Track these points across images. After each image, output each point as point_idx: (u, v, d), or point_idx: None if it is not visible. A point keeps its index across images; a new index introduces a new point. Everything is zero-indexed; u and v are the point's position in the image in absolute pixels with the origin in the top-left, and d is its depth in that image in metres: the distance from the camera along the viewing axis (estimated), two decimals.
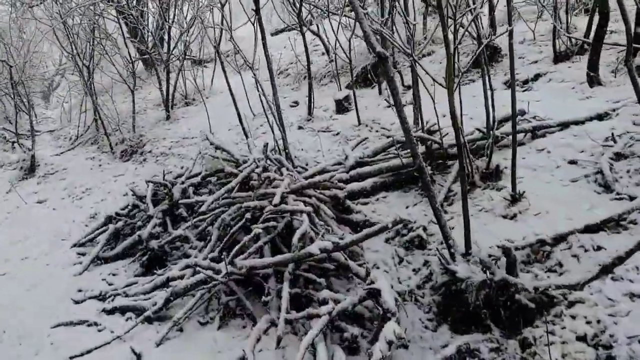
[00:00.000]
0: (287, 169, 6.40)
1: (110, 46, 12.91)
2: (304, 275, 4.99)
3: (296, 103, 10.63)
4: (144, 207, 7.22)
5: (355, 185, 6.35)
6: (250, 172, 6.11)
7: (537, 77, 8.20)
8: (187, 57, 12.19)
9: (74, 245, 7.60)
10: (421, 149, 6.49)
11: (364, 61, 11.77)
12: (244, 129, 8.37)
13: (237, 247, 5.29)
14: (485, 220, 5.26)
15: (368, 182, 6.38)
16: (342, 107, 9.34)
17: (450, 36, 4.72)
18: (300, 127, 8.94)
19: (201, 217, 6.37)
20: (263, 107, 7.92)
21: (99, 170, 10.87)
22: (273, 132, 7.55)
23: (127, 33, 13.98)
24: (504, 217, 5.23)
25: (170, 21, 11.54)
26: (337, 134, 8.06)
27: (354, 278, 5.12)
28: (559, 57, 8.42)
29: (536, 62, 8.68)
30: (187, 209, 7.23)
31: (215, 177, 7.13)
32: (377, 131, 7.67)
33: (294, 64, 13.77)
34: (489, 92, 5.84)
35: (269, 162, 6.49)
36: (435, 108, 5.64)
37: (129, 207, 7.55)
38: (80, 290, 6.15)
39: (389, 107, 8.84)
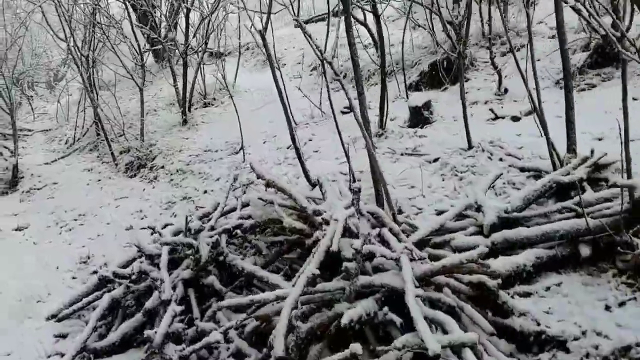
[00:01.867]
0: (392, 231, 3.69)
1: (115, 34, 10.09)
2: None
3: (348, 109, 7.84)
4: (155, 275, 4.49)
5: (504, 262, 3.64)
6: (334, 235, 3.41)
7: None
8: (207, 48, 9.39)
9: (52, 317, 4.89)
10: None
11: (426, 56, 9.03)
12: (297, 149, 5.62)
13: None
14: None
15: (526, 257, 3.66)
16: (420, 117, 6.59)
17: None
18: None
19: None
20: (333, 110, 5.18)
21: (97, 187, 8.13)
22: (346, 153, 4.86)
23: (135, 20, 11.18)
24: None
25: (189, 3, 8.74)
26: (435, 160, 5.31)
27: None
28: None
29: None
30: (220, 273, 4.55)
31: (268, 228, 4.43)
32: (501, 159, 4.94)
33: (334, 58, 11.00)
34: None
35: (359, 216, 3.78)
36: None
37: (134, 267, 4.79)
38: None
39: (495, 119, 6.11)
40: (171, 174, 7.55)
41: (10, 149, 9.67)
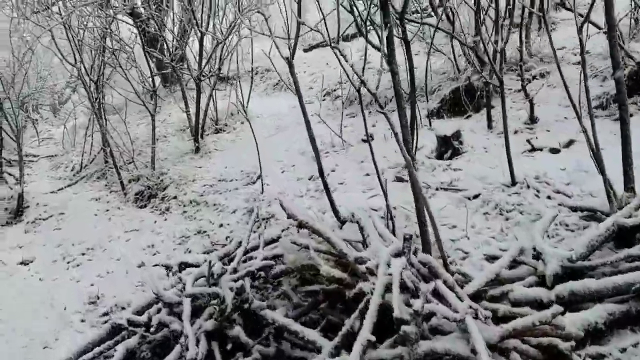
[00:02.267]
0: (446, 283, 3.26)
1: (125, 58, 9.77)
2: None
3: (370, 137, 7.46)
4: (176, 327, 4.04)
5: (572, 320, 3.20)
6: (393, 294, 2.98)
7: None
8: (220, 72, 9.05)
9: None
10: None
11: (446, 82, 8.70)
12: (325, 183, 5.19)
13: None
14: None
15: (597, 313, 3.22)
16: (449, 147, 6.21)
17: None
18: (399, 179, 5.76)
19: None
20: (369, 137, 4.78)
21: (106, 218, 7.69)
22: (382, 185, 4.45)
23: (144, 43, 10.89)
24: None
25: (202, 26, 8.41)
26: (476, 196, 4.90)
27: None
28: None
29: None
30: (244, 322, 4.11)
31: (299, 275, 4.00)
32: (549, 197, 4.53)
33: (343, 83, 10.70)
34: None
35: (410, 266, 3.36)
36: None
37: (152, 316, 4.33)
38: None
39: (532, 150, 5.72)
40: (184, 205, 7.12)
41: (15, 176, 9.29)
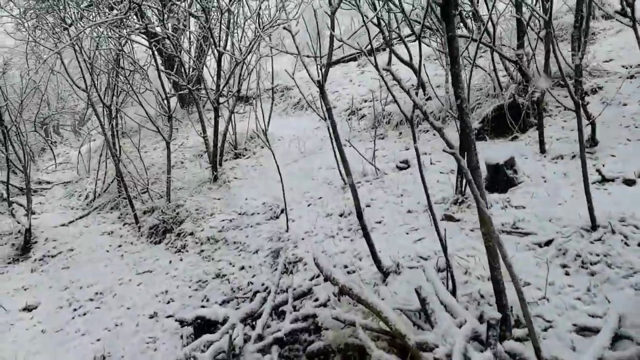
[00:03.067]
0: None
1: (139, 80, 9.12)
2: None
3: (405, 164, 6.64)
4: None
5: None
6: None
7: None
8: (239, 94, 8.33)
9: None
10: None
11: (487, 100, 7.85)
12: (364, 228, 4.35)
13: None
14: None
15: None
16: (502, 177, 5.34)
17: None
18: (448, 217, 4.88)
19: None
20: (421, 167, 3.96)
21: (117, 255, 6.98)
22: (437, 228, 3.61)
23: (160, 64, 10.27)
24: None
25: (220, 45, 7.70)
26: (548, 243, 4.01)
27: None
28: None
29: None
30: None
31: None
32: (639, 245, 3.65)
33: (368, 101, 9.94)
34: None
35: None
36: None
37: None
38: None
39: (603, 181, 4.81)
40: (201, 243, 6.35)
41: (25, 207, 8.66)
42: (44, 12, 8.84)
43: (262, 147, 9.25)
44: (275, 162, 6.26)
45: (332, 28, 4.07)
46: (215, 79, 8.18)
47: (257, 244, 5.88)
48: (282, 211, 6.16)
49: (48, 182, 11.36)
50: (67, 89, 18.59)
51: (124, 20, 7.49)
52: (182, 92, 10.66)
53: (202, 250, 6.20)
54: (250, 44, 7.41)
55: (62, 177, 11.84)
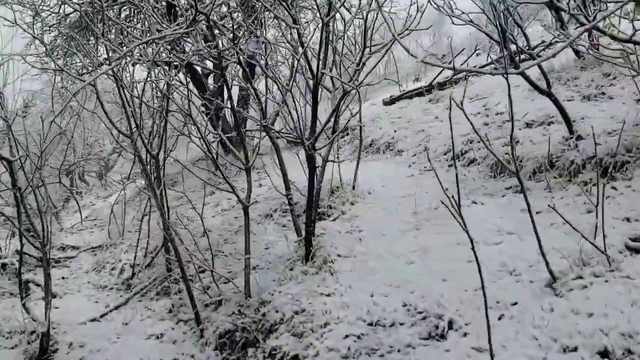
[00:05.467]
0: None
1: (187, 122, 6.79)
2: None
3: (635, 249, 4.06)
4: None
5: None
6: None
7: None
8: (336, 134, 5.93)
9: None
10: None
11: None
12: None
13: None
14: None
15: None
16: None
17: None
18: None
19: None
20: None
21: None
22: None
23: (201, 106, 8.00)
24: None
25: (319, 73, 5.36)
26: None
27: None
28: None
29: None
30: None
31: None
32: None
33: (476, 142, 7.49)
34: None
35: None
36: None
37: None
38: None
39: None
40: None
41: (42, 286, 6.21)
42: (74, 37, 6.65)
43: (352, 204, 6.82)
44: (470, 238, 3.74)
45: None
46: (298, 115, 5.77)
47: None
48: (449, 325, 3.64)
49: (73, 247, 8.98)
50: (92, 135, 16.78)
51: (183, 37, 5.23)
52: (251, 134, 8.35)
53: None
54: (358, 66, 5.04)
55: (90, 239, 9.44)
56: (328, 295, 4.50)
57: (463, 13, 6.91)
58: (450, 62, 4.02)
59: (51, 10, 9.47)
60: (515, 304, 3.67)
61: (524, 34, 6.64)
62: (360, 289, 4.51)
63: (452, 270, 4.32)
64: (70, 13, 9.81)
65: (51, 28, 9.76)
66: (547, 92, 6.23)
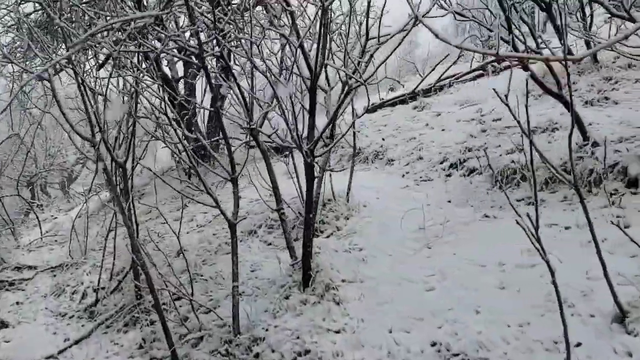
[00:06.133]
0: None
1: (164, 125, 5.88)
2: None
3: None
4: None
5: None
6: None
7: None
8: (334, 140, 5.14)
9: None
10: None
11: None
12: None
13: None
14: None
15: None
16: None
17: None
18: None
19: None
20: None
21: None
22: None
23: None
24: None
25: (316, 68, 4.60)
26: None
27: None
28: None
29: None
30: None
31: None
32: None
33: (474, 149, 6.86)
34: None
35: None
36: None
37: None
38: None
39: None
40: None
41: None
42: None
43: (347, 219, 6.07)
44: (550, 269, 3.00)
45: None
46: (290, 119, 4.98)
47: None
48: None
49: (30, 267, 7.93)
50: (55, 145, 15.70)
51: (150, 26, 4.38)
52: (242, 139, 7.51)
53: None
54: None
55: (50, 257, 8.39)
56: (337, 331, 3.69)
57: (465, 9, 6.31)
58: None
59: (9, 9, 8.46)
60: (579, 344, 2.95)
61: (532, 32, 6.05)
62: (375, 322, 3.72)
63: (483, 298, 3.59)
64: (31, 13, 8.88)
65: (9, 29, 8.75)
66: (559, 95, 5.63)
